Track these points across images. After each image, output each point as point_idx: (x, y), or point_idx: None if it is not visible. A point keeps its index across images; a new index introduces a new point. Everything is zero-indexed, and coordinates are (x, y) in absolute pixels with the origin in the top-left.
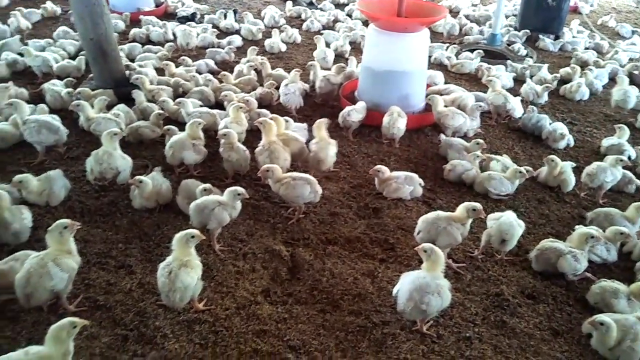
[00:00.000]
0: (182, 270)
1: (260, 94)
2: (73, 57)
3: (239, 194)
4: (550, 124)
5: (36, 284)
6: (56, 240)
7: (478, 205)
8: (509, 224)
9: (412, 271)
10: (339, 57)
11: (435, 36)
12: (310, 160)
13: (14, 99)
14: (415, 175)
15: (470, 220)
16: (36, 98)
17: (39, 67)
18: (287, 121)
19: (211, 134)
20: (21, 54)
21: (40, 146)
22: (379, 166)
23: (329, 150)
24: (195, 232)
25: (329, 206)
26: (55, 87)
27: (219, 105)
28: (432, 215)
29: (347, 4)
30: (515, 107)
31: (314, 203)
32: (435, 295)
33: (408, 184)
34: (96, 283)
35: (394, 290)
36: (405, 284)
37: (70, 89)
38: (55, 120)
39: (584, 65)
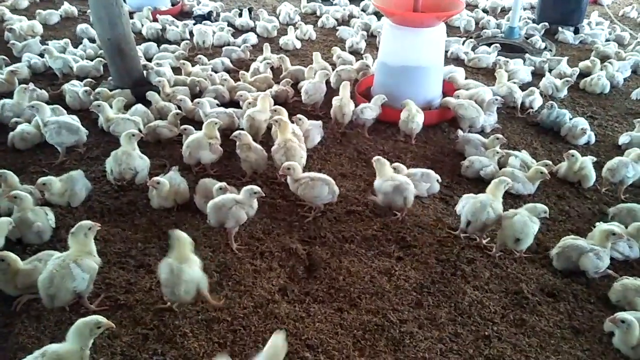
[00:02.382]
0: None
1: (276, 92)
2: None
3: (255, 193)
4: (570, 119)
5: (59, 285)
6: (80, 241)
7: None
8: (523, 222)
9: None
10: (355, 53)
11: (452, 30)
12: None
13: (36, 102)
14: (432, 172)
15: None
16: (57, 99)
17: (59, 68)
18: (300, 119)
19: (227, 133)
20: (42, 55)
21: (61, 147)
22: (395, 164)
23: (345, 106)
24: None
25: (345, 204)
26: (74, 87)
27: (234, 103)
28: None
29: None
30: (518, 96)
31: (331, 203)
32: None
33: (425, 180)
34: (116, 282)
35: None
36: (383, 189)
37: (87, 88)
38: (75, 121)
39: (604, 58)
